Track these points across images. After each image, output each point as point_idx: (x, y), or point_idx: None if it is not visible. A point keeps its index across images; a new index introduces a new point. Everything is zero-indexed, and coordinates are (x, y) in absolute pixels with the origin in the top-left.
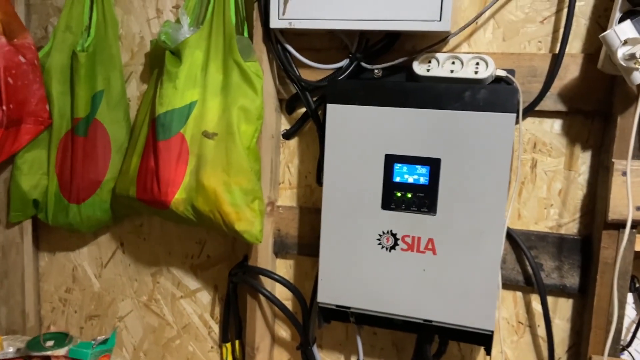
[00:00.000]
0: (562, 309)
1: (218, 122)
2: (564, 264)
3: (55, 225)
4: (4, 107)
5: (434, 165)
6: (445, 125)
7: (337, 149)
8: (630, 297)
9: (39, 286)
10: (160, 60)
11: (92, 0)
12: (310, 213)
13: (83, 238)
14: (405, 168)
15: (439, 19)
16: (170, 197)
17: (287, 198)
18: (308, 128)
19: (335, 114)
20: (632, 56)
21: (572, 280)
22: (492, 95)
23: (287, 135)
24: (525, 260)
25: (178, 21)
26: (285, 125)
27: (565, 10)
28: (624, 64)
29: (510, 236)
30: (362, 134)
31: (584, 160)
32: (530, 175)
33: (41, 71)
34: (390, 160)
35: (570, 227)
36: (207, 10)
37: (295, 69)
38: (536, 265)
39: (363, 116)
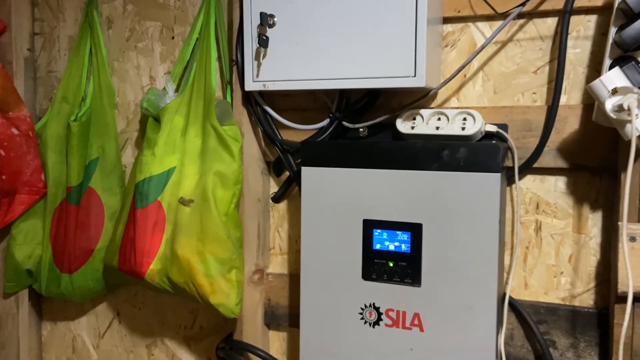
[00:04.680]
0: None
1: (195, 188)
2: (580, 341)
3: (49, 296)
4: None
5: (415, 231)
6: (425, 187)
7: (313, 214)
8: None
9: (42, 356)
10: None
11: (89, 71)
12: None
13: (82, 307)
14: (385, 234)
15: (413, 75)
16: (145, 268)
17: (278, 265)
18: (296, 190)
19: (310, 177)
20: (621, 107)
21: None
22: (473, 153)
23: (276, 199)
24: (534, 337)
25: (165, 88)
26: (274, 188)
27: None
28: (614, 116)
29: (516, 309)
30: (338, 198)
31: (594, 221)
32: (535, 238)
33: (37, 142)
34: (369, 226)
35: (585, 298)
36: (189, 75)
37: (276, 131)
38: (545, 342)
39: (339, 179)
